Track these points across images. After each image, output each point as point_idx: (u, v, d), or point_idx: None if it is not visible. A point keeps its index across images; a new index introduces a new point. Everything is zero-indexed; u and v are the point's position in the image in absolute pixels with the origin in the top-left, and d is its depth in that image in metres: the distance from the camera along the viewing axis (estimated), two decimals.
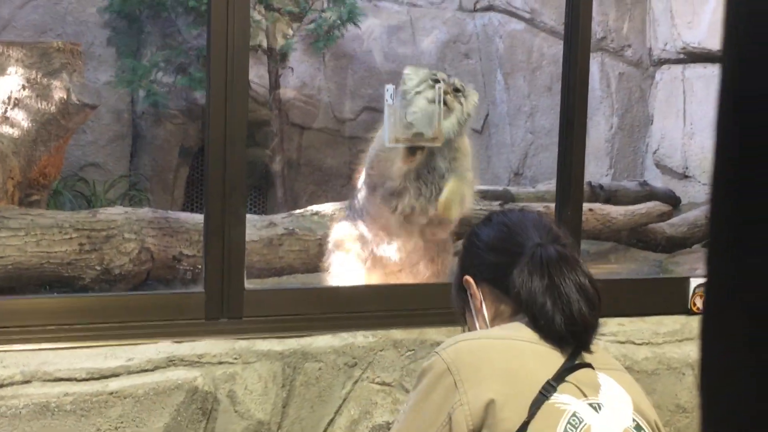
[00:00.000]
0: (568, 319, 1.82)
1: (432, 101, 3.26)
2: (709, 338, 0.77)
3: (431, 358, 1.82)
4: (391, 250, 3.45)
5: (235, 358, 2.72)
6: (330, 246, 3.65)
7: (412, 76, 3.36)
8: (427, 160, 3.32)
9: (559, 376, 1.76)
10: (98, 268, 3.66)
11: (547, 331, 1.82)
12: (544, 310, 1.83)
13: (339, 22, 6.86)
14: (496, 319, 1.98)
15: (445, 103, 3.25)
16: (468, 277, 2.04)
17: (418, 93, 3.28)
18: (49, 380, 2.47)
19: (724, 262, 0.75)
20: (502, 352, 1.79)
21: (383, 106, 3.28)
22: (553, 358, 1.79)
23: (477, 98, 3.44)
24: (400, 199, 3.35)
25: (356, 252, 3.51)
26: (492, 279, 2.00)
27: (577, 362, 1.80)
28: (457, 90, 3.31)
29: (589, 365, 1.81)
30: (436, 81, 3.29)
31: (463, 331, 2.12)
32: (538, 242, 1.95)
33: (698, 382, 0.78)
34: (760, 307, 0.71)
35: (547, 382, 1.74)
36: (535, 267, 1.88)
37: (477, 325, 2.02)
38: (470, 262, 2.08)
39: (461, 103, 3.32)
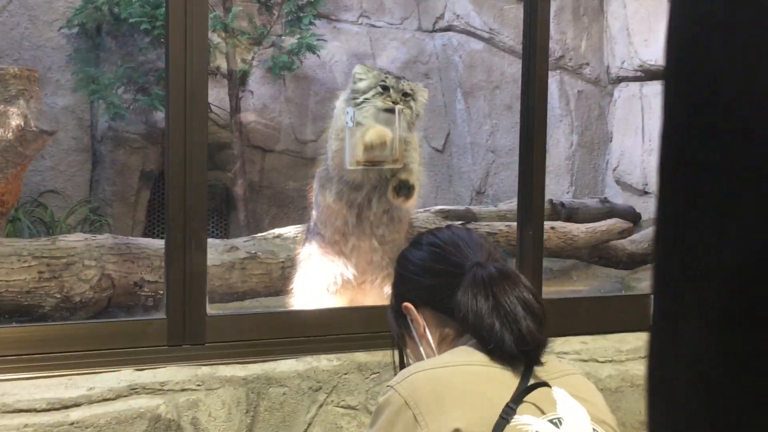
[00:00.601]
0: (517, 339, 1.79)
1: (381, 110, 3.25)
2: (656, 341, 0.77)
3: (387, 393, 1.77)
4: (350, 257, 3.42)
5: (198, 385, 2.70)
6: (291, 269, 3.63)
7: (363, 76, 3.35)
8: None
9: (517, 398, 1.73)
10: (58, 296, 3.61)
11: (498, 353, 1.79)
12: (492, 331, 1.79)
13: (298, 50, 6.86)
14: (442, 343, 1.94)
15: (393, 111, 3.25)
16: (407, 304, 1.98)
17: (366, 100, 3.27)
18: (8, 411, 2.44)
19: (672, 261, 0.74)
20: (458, 379, 1.75)
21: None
22: (507, 379, 1.77)
23: (426, 95, 3.44)
24: (359, 192, 3.34)
25: (317, 272, 3.49)
26: (432, 302, 1.96)
27: (532, 383, 1.78)
28: (406, 94, 3.31)
29: (544, 384, 1.79)
30: (386, 88, 3.28)
31: (403, 358, 2.07)
32: (476, 261, 1.90)
33: (645, 386, 0.78)
34: (710, 308, 0.70)
35: (507, 405, 1.71)
36: (478, 287, 1.84)
37: (422, 350, 1.97)
38: (406, 287, 2.02)
39: (411, 107, 3.32)
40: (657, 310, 0.76)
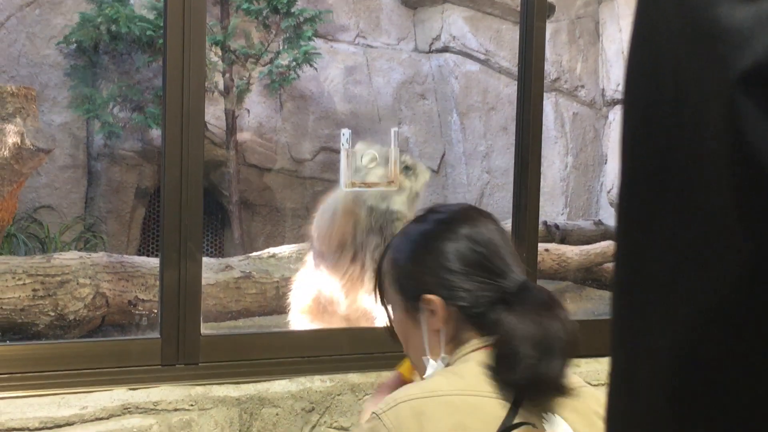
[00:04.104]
0: (543, 378, 1.63)
1: (382, 177, 3.32)
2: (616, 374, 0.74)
3: (371, 422, 1.66)
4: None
5: (191, 405, 2.69)
6: (286, 289, 3.65)
7: (365, 153, 3.43)
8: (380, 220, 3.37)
9: None
10: (52, 314, 3.61)
11: (502, 383, 1.64)
12: (527, 364, 1.62)
13: (295, 63, 6.90)
14: (451, 342, 1.76)
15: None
16: (432, 297, 1.75)
17: (370, 169, 3.33)
18: (0, 430, 2.43)
19: (632, 296, 0.71)
20: (443, 410, 1.62)
21: (340, 149, 3.32)
22: (495, 411, 1.63)
23: (428, 176, 3.48)
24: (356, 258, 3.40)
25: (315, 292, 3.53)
26: (464, 308, 1.74)
27: (517, 421, 1.62)
28: (407, 168, 3.36)
29: (530, 424, 1.63)
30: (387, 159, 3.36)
31: (391, 333, 1.88)
32: (522, 280, 1.73)
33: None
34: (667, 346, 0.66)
35: None
36: (528, 312, 1.67)
37: (426, 343, 1.79)
38: (432, 278, 1.76)
39: (411, 182, 3.36)
40: (615, 340, 0.72)
